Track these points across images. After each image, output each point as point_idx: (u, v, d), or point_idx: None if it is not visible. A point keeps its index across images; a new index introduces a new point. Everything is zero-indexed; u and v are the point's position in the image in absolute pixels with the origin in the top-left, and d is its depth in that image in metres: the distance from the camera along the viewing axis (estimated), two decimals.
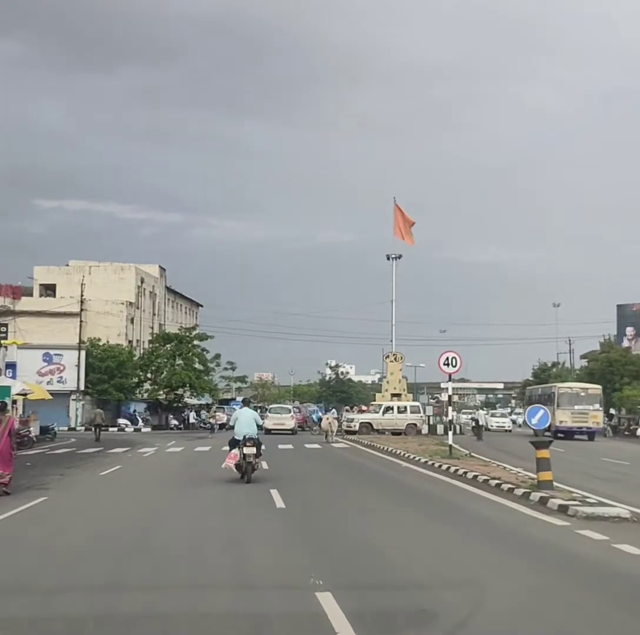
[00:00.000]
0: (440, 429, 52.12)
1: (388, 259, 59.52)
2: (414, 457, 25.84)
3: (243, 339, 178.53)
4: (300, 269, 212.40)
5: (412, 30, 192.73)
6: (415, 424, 51.63)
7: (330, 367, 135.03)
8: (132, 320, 75.66)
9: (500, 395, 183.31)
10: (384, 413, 52.71)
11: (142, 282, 79.12)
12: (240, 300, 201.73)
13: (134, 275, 77.46)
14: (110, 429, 58.91)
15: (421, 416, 53.36)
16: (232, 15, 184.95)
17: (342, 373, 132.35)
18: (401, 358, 59.36)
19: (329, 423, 39.51)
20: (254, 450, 18.64)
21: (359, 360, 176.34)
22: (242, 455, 18.76)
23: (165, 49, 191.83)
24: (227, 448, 20.07)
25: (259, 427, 20.29)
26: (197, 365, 71.06)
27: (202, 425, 65.36)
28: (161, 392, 69.89)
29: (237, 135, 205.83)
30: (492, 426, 60.93)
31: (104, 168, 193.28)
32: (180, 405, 72.06)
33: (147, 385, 70.71)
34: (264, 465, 22.96)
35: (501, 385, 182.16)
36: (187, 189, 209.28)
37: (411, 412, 53.05)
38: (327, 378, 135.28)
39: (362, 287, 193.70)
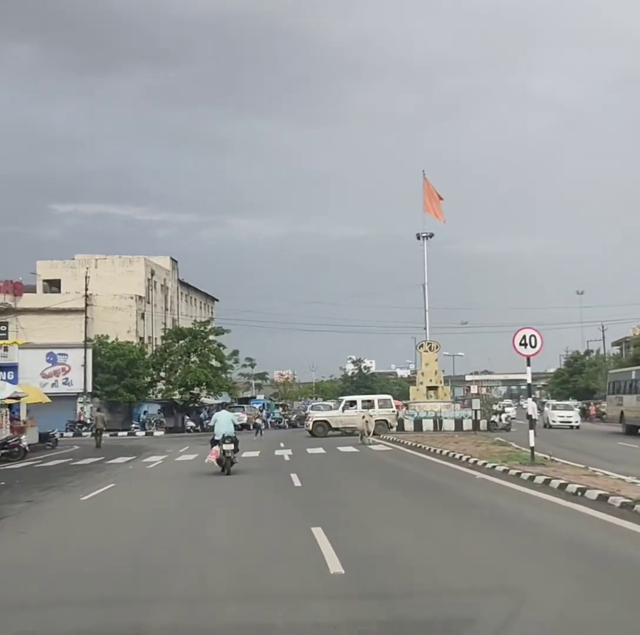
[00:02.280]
0: (483, 424, 47.05)
1: (418, 238, 54.14)
2: (484, 464, 20.44)
3: (261, 335, 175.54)
4: (316, 264, 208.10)
5: (417, 23, 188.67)
6: (385, 421, 44.41)
7: (353, 362, 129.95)
8: (142, 316, 70.59)
9: (524, 386, 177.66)
10: (344, 409, 46.45)
11: (152, 274, 74.02)
12: (256, 296, 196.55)
13: (143, 267, 72.37)
14: (120, 433, 54.11)
15: (393, 411, 46.41)
16: (238, 14, 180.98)
17: (365, 367, 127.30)
18: (437, 347, 53.90)
19: (366, 421, 34.02)
20: (232, 446, 21.35)
21: (379, 354, 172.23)
22: (222, 451, 21.36)
23: (175, 50, 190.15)
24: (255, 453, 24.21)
25: (236, 427, 23.39)
26: (213, 362, 66.09)
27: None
28: (176, 392, 64.94)
29: (247, 134, 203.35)
30: (554, 421, 49.05)
31: (118, 171, 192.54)
32: (197, 405, 67.04)
33: (160, 385, 65.82)
34: (296, 480, 18.08)
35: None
36: (200, 189, 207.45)
37: (380, 407, 46.22)
38: (349, 373, 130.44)
39: (378, 279, 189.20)
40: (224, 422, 22.14)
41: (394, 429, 44.70)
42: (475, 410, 43.60)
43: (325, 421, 46.27)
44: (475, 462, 21.21)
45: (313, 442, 36.83)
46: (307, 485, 17.66)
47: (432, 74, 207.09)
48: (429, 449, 27.98)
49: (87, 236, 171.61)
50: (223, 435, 21.41)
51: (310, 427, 46.10)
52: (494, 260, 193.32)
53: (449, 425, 47.50)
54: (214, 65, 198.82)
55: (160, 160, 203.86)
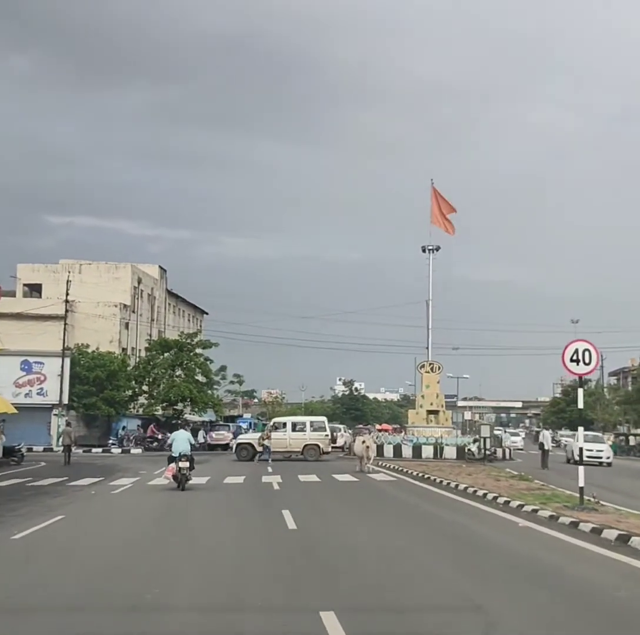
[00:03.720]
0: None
1: (424, 251, 50.48)
2: (520, 506, 16.69)
3: (251, 352, 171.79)
4: (308, 285, 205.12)
5: (421, 50, 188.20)
6: (317, 445, 40.72)
7: (344, 383, 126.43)
8: (127, 325, 66.72)
9: (513, 415, 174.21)
10: (272, 431, 42.04)
11: (139, 282, 70.22)
12: (247, 312, 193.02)
13: (130, 275, 68.56)
14: (95, 450, 50.15)
15: (326, 434, 41.76)
16: (241, 35, 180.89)
17: (355, 389, 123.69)
18: (439, 368, 50.19)
19: (367, 447, 30.17)
20: (187, 464, 22.37)
21: (371, 376, 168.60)
22: (178, 468, 22.28)
23: (175, 68, 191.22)
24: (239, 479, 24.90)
25: (192, 446, 23.56)
26: (199, 377, 62.24)
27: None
28: (158, 407, 61.01)
29: (244, 154, 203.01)
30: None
31: (114, 185, 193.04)
32: (179, 422, 62.93)
33: (142, 399, 61.84)
34: (289, 520, 14.37)
35: (519, 404, 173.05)
36: (195, 206, 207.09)
37: (313, 430, 41.91)
38: (339, 394, 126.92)
39: (371, 301, 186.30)
40: (180, 441, 22.96)
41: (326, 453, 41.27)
42: (484, 438, 39.77)
43: (250, 444, 41.80)
44: (507, 502, 17.46)
45: (304, 467, 33.05)
46: (304, 529, 13.94)
47: (428, 101, 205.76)
48: (441, 481, 24.23)
49: (80, 248, 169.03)
50: (180, 453, 22.46)
51: (234, 450, 42.11)
52: (485, 288, 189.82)
53: (450, 452, 43.87)
54: (213, 84, 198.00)
55: (156, 176, 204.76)
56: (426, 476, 26.63)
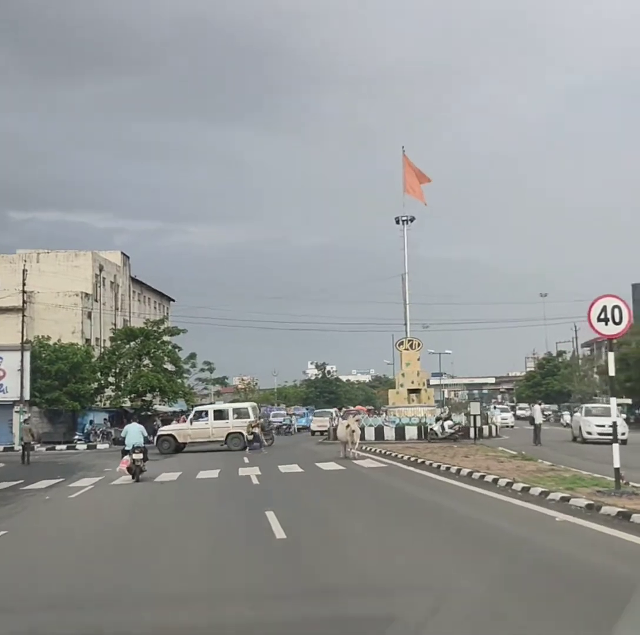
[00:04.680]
0: (473, 431, 41.17)
1: (397, 222, 47.94)
2: (543, 493, 14.24)
3: (220, 338, 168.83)
4: (276, 272, 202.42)
5: (386, 34, 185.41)
6: (241, 434, 38.05)
7: (316, 366, 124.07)
8: (89, 315, 63.83)
9: (485, 391, 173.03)
10: (193, 421, 39.94)
11: (100, 270, 67.24)
12: (215, 298, 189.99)
13: (90, 262, 65.65)
14: (59, 447, 47.39)
15: (251, 421, 38.18)
16: (202, 22, 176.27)
17: (328, 372, 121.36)
18: (419, 345, 47.85)
19: (352, 431, 27.72)
20: (141, 456, 22.90)
21: (343, 358, 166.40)
22: (132, 461, 22.71)
23: (136, 59, 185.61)
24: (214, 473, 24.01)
25: (145, 438, 24.00)
26: (168, 366, 59.51)
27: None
28: (126, 399, 58.26)
29: (208, 142, 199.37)
30: (589, 433, 35.35)
31: (77, 179, 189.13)
32: (149, 413, 60.31)
33: (108, 391, 59.01)
34: (275, 526, 12.18)
35: (493, 380, 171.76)
36: (160, 197, 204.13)
37: (236, 417, 39.38)
38: (312, 378, 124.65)
39: (342, 283, 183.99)
40: (133, 433, 23.42)
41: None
42: (474, 416, 37.43)
43: (171, 435, 39.48)
44: (526, 489, 15.02)
45: (283, 457, 30.65)
46: (295, 538, 11.39)
47: (395, 84, 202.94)
48: (439, 466, 21.80)
49: (44, 243, 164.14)
50: (133, 445, 22.91)
51: (155, 443, 39.22)
52: (455, 265, 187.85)
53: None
54: (174, 73, 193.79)
55: (118, 167, 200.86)
56: (419, 460, 24.25)
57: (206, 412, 40.66)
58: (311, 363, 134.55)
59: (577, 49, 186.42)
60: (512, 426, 57.56)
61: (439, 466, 21.71)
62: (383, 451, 30.10)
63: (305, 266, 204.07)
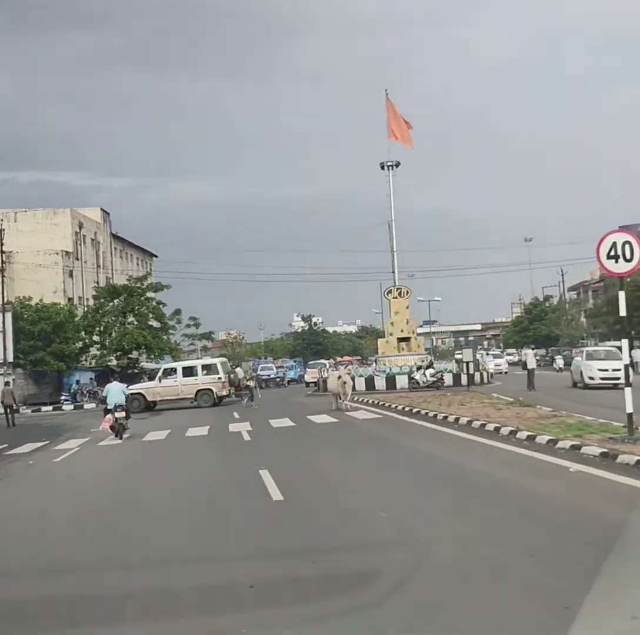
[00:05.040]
0: (464, 378, 40.65)
1: (382, 168, 46.81)
2: (551, 442, 13.53)
3: (206, 293, 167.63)
4: (258, 224, 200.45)
5: None
6: (210, 390, 38.09)
7: (302, 318, 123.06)
8: (71, 274, 62.61)
9: (471, 338, 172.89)
10: (162, 379, 39.23)
11: (80, 227, 65.80)
12: (198, 253, 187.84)
13: (69, 219, 64.18)
14: (45, 408, 46.66)
15: (219, 377, 38.60)
16: None
17: (314, 323, 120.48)
18: (407, 293, 47.07)
19: (344, 383, 27.02)
20: (123, 414, 23.21)
21: (329, 308, 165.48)
22: (114, 419, 22.92)
23: (108, 12, 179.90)
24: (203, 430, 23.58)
25: (126, 397, 24.40)
26: (152, 323, 58.56)
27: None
28: (111, 358, 57.39)
29: (183, 96, 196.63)
30: (591, 378, 32.67)
31: (53, 137, 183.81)
32: (136, 371, 59.51)
33: (93, 351, 58.07)
34: (272, 488, 11.42)
35: (479, 327, 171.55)
36: (138, 153, 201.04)
37: (205, 374, 39.05)
38: (299, 330, 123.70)
39: (326, 232, 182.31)
40: (115, 392, 23.66)
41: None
42: (467, 363, 36.77)
43: (140, 394, 38.65)
44: (531, 438, 14.34)
45: (273, 411, 30.02)
46: (293, 500, 10.64)
47: (367, 29, 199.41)
48: (435, 415, 21.15)
49: (22, 203, 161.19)
50: (115, 404, 23.10)
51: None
52: (434, 215, 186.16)
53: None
54: (148, 27, 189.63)
55: (94, 124, 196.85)
56: (414, 410, 23.63)
57: (175, 369, 40.11)
58: (297, 315, 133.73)
59: None
60: (506, 372, 56.64)
61: (435, 415, 21.07)
62: (375, 401, 29.50)
63: (288, 218, 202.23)
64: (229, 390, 39.67)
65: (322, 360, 60.63)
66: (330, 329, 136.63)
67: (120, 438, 22.54)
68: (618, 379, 28.19)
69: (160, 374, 40.27)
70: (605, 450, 11.80)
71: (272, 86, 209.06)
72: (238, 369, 42.50)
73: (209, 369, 39.57)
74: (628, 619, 5.09)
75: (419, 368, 39.70)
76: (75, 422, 32.92)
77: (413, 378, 38.50)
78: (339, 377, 27.44)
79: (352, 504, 10.23)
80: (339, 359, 74.27)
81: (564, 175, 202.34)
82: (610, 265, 12.67)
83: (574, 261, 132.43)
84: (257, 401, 35.17)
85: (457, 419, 19.18)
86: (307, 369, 60.20)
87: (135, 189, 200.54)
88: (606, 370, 31.71)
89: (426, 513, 9.29)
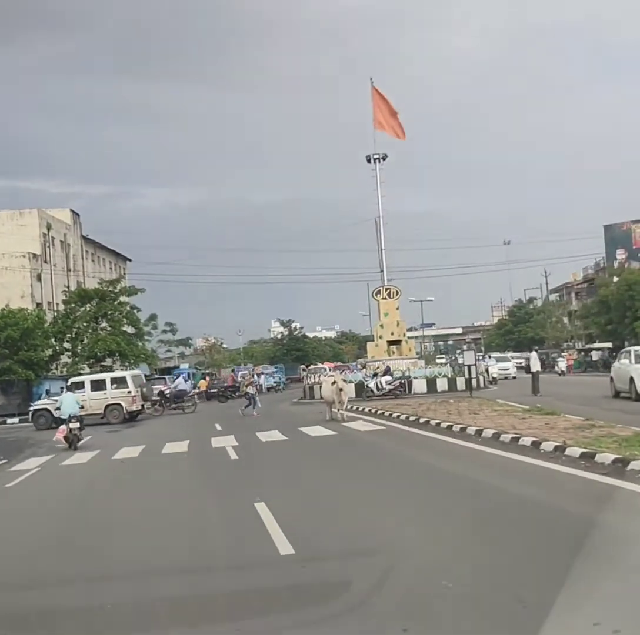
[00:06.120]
0: (460, 383, 38.08)
1: (369, 161, 44.18)
2: (611, 461, 10.87)
3: (182, 299, 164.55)
4: (236, 229, 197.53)
5: None
6: (119, 405, 35.96)
7: (282, 323, 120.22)
8: (39, 277, 59.56)
9: (450, 342, 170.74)
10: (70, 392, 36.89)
11: (48, 229, 62.68)
12: (174, 258, 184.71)
13: (37, 220, 61.07)
14: (10, 420, 43.59)
15: (129, 391, 36.31)
16: None
17: (294, 328, 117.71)
18: (397, 293, 44.43)
19: (340, 389, 24.12)
20: (78, 424, 23.14)
21: (308, 313, 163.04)
22: (68, 430, 22.78)
23: (75, 17, 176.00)
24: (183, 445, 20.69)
25: (81, 407, 25.05)
26: (126, 328, 55.53)
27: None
28: (84, 365, 54.21)
29: (156, 102, 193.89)
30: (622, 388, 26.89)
31: (27, 144, 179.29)
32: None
33: (65, 358, 54.92)
34: (275, 532, 8.55)
35: (460, 330, 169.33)
36: (113, 159, 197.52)
37: (115, 387, 36.64)
38: (278, 336, 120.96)
39: (306, 236, 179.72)
40: (69, 403, 23.60)
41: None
42: (469, 366, 33.98)
43: (46, 409, 35.85)
44: (590, 456, 11.56)
45: (259, 421, 27.25)
46: (308, 555, 7.72)
47: (344, 32, 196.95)
48: (450, 426, 18.24)
49: None
50: (69, 415, 23.00)
51: (30, 418, 36.56)
52: (416, 217, 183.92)
53: (420, 386, 38.56)
54: (118, 31, 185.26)
55: (69, 131, 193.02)
56: (421, 419, 20.83)
57: (83, 383, 37.16)
58: (275, 321, 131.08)
59: None
60: (514, 377, 51.21)
61: (449, 427, 18.23)
62: (372, 410, 26.80)
63: (266, 222, 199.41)
64: (142, 404, 37.57)
65: (322, 366, 57.64)
66: (311, 335, 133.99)
67: (75, 448, 22.37)
68: None
69: (65, 388, 37.43)
70: None
71: (247, 90, 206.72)
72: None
73: (119, 382, 36.93)
74: None
75: (374, 375, 36.94)
76: (41, 436, 29.94)
77: (367, 386, 35.80)
78: (334, 382, 24.47)
79: (392, 561, 7.36)
80: (319, 365, 71.93)
81: (546, 176, 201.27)
82: None
83: (553, 261, 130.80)
84: (257, 409, 32.36)
85: (479, 432, 16.37)
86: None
87: (111, 195, 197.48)
88: None
89: (528, 586, 6.38)
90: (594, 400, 25.57)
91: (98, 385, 36.89)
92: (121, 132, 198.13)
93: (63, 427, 23.10)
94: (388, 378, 35.81)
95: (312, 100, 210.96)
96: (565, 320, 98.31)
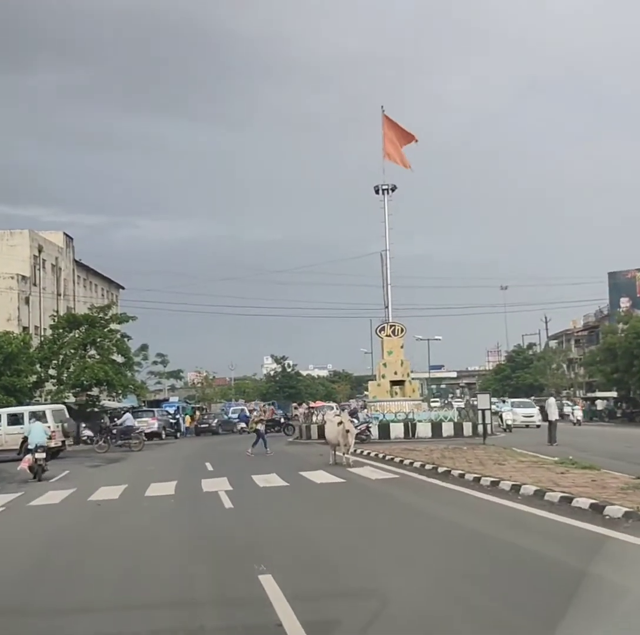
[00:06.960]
0: (467, 428, 35.95)
1: (377, 192, 42.15)
2: None
3: (174, 331, 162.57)
4: (228, 268, 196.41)
5: (332, 22, 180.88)
6: (61, 448, 34.69)
7: (275, 360, 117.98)
8: (27, 300, 57.22)
9: (443, 386, 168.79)
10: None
11: (40, 251, 60.45)
12: (168, 288, 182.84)
13: (28, 241, 58.89)
14: None
15: (48, 427, 30.88)
16: (147, 12, 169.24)
17: (288, 365, 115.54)
18: (402, 331, 42.17)
19: (347, 431, 21.70)
20: (43, 455, 22.98)
21: (299, 354, 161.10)
22: (34, 460, 22.60)
23: (82, 48, 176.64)
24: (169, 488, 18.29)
25: (49, 437, 25.81)
26: (116, 357, 53.10)
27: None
28: (69, 394, 51.68)
29: (155, 135, 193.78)
30: None
31: (23, 171, 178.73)
32: (96, 410, 54.01)
33: (49, 385, 52.39)
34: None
35: (454, 374, 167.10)
36: (108, 191, 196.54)
37: (32, 422, 32.03)
38: (271, 373, 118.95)
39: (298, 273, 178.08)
40: (36, 433, 23.35)
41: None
42: (483, 411, 31.55)
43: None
44: None
45: (253, 462, 24.87)
46: None
47: (342, 74, 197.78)
48: (478, 479, 15.79)
49: None
50: (36, 445, 22.83)
51: None
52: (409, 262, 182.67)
53: (424, 430, 36.26)
54: (122, 63, 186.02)
55: (66, 160, 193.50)
56: (440, 469, 18.43)
57: (19, 415, 35.34)
58: (268, 357, 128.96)
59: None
60: (538, 426, 45.28)
61: (477, 479, 15.85)
62: (379, 454, 24.46)
63: (258, 257, 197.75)
64: (63, 441, 35.41)
65: (331, 404, 55.81)
66: (305, 373, 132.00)
67: (39, 480, 22.26)
68: None
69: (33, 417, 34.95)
70: None
71: (244, 129, 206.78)
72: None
73: (37, 417, 33.30)
74: None
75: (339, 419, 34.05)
76: (14, 469, 27.42)
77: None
78: (339, 423, 22.06)
79: None
80: (310, 403, 69.81)
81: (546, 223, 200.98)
82: None
83: (552, 306, 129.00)
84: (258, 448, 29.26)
85: (516, 488, 14.00)
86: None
87: (106, 226, 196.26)
88: None
89: None
90: (620, 454, 23.29)
91: (15, 419, 35.04)
92: (118, 164, 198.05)
93: (28, 456, 22.90)
94: (354, 421, 32.62)
95: (310, 138, 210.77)
96: (565, 367, 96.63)
